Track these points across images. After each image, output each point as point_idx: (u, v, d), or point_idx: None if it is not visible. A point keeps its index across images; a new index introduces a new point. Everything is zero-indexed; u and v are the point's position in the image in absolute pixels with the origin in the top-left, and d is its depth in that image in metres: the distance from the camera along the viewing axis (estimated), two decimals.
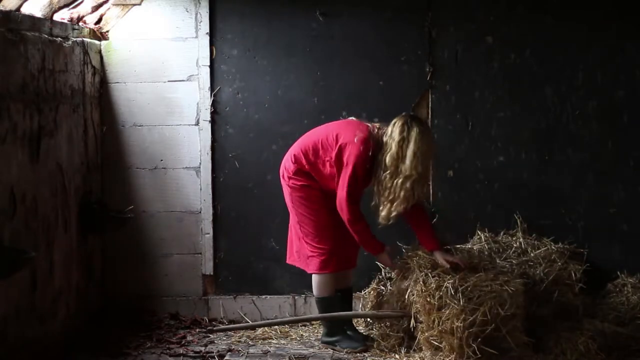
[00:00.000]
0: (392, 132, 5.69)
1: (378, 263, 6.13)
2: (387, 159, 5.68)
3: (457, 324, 5.33)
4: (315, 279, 5.95)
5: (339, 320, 5.99)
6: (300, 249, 5.96)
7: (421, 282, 5.50)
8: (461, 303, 5.35)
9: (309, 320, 6.13)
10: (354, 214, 5.74)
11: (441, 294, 5.40)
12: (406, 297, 5.64)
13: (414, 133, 5.65)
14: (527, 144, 6.64)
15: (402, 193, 5.66)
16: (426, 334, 5.48)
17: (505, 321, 5.39)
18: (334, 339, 5.98)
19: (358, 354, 5.84)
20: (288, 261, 6.08)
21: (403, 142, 5.65)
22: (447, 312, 5.37)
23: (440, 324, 5.39)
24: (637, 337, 5.78)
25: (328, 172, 5.80)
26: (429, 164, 5.79)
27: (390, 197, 5.69)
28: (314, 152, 5.84)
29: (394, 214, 5.72)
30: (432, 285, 5.45)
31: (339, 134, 5.79)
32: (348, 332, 5.99)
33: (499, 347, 5.41)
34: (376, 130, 5.78)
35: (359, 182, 5.74)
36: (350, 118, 6.02)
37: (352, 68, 6.62)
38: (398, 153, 5.66)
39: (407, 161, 5.64)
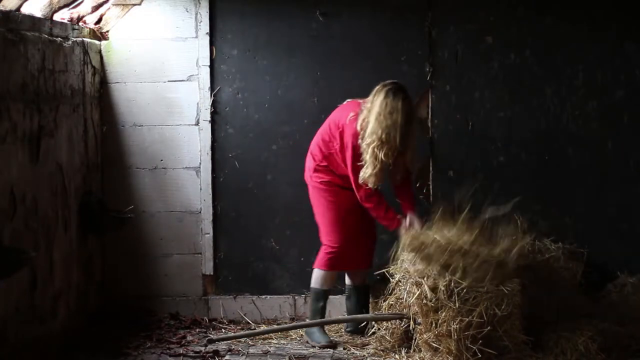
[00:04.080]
0: (369, 99, 5.85)
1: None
2: (359, 124, 5.82)
3: (453, 326, 5.33)
4: (315, 270, 6.12)
5: (317, 312, 6.10)
6: None
7: (415, 285, 5.49)
8: (457, 305, 5.35)
9: (309, 325, 6.15)
10: (365, 191, 5.85)
11: (437, 296, 5.40)
12: (404, 297, 5.64)
13: (379, 98, 5.77)
14: (527, 144, 6.64)
15: (367, 157, 5.78)
16: (424, 336, 5.48)
17: (502, 321, 5.38)
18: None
19: (358, 354, 5.84)
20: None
21: (371, 106, 5.80)
22: (443, 314, 5.36)
23: (437, 326, 5.39)
24: (637, 337, 5.78)
25: (340, 159, 5.96)
26: (392, 131, 5.73)
27: (365, 162, 5.81)
28: (324, 144, 6.01)
29: (371, 179, 5.80)
30: (426, 288, 5.44)
31: (338, 120, 5.97)
32: (317, 327, 6.06)
33: (497, 346, 5.40)
34: (365, 103, 5.91)
35: (358, 159, 5.84)
36: (348, 100, 6.09)
37: (352, 68, 6.62)
38: (365, 118, 5.80)
39: (369, 125, 5.77)
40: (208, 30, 6.61)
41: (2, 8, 5.06)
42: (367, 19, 6.64)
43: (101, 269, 6.66)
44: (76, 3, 5.99)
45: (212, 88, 6.64)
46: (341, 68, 6.64)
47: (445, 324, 5.36)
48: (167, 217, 6.70)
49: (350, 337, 6.17)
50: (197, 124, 6.66)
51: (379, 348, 5.89)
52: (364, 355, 5.82)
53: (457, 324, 5.32)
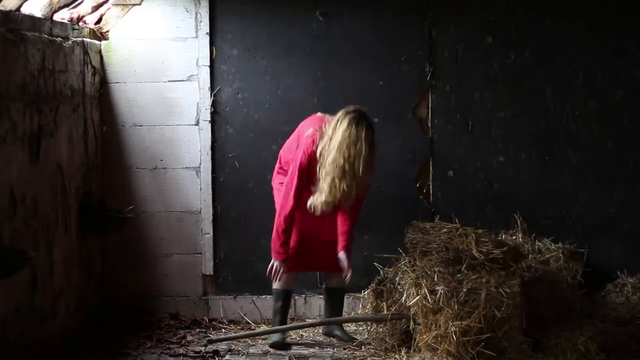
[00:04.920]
0: (331, 124, 5.78)
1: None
2: (319, 149, 5.77)
3: (452, 328, 5.32)
4: None
5: (276, 312, 6.09)
6: None
7: (415, 287, 5.49)
8: (455, 307, 5.34)
9: (307, 326, 6.15)
10: (291, 210, 5.83)
11: (436, 297, 5.39)
12: (403, 299, 5.64)
13: (342, 126, 5.70)
14: (527, 144, 6.65)
15: (324, 185, 5.73)
16: (424, 337, 5.48)
17: (501, 323, 5.38)
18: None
19: (358, 354, 5.84)
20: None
21: (333, 134, 5.73)
22: (443, 317, 5.35)
23: (437, 327, 5.38)
24: (637, 337, 5.78)
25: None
26: (356, 161, 5.68)
27: (319, 188, 5.76)
28: (290, 152, 5.99)
29: (321, 206, 5.76)
30: (425, 290, 5.44)
31: (301, 132, 5.94)
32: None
33: (497, 347, 5.40)
34: (327, 123, 5.84)
35: (303, 176, 5.80)
36: (317, 114, 6.06)
37: (352, 68, 6.63)
38: (326, 145, 5.74)
39: (331, 155, 5.70)
40: (208, 30, 6.62)
41: (2, 8, 5.06)
42: (367, 19, 6.64)
43: (101, 269, 6.66)
44: (76, 3, 5.99)
45: (212, 88, 6.64)
46: (341, 68, 6.64)
47: (444, 325, 5.35)
48: (167, 217, 6.70)
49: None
50: (197, 124, 6.66)
51: (379, 348, 5.89)
52: (364, 355, 5.82)
53: (456, 327, 5.31)
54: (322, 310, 6.46)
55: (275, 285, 6.09)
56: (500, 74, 6.63)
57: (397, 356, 5.73)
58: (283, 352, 5.89)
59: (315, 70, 6.65)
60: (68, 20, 6.10)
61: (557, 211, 6.64)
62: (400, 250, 6.05)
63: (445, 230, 5.86)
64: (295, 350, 5.96)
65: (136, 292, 6.69)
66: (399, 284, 5.77)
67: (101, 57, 6.63)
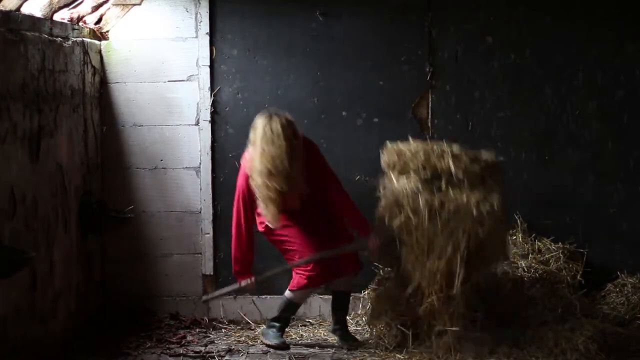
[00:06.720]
0: (250, 136, 5.85)
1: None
2: (248, 166, 5.84)
3: (440, 243, 5.41)
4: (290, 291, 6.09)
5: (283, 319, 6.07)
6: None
7: (397, 207, 5.54)
8: (439, 226, 5.41)
9: (301, 263, 6.02)
10: (234, 219, 5.89)
11: (420, 216, 5.46)
12: (386, 220, 5.64)
13: (257, 131, 5.76)
14: (527, 144, 6.64)
15: (262, 194, 5.77)
16: (411, 257, 5.52)
17: (486, 239, 5.46)
18: (265, 327, 6.15)
19: (358, 354, 5.84)
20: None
21: (254, 142, 5.80)
22: (427, 233, 5.44)
23: (422, 240, 5.46)
24: (637, 337, 5.78)
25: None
26: (279, 159, 5.69)
27: (261, 200, 5.80)
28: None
29: (271, 216, 5.80)
30: (408, 209, 5.50)
31: None
32: (273, 330, 6.04)
33: (484, 259, 5.52)
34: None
35: (245, 201, 5.87)
36: None
37: (352, 68, 6.62)
38: (251, 157, 5.83)
39: (256, 163, 5.75)
40: (208, 30, 6.62)
41: (2, 8, 5.06)
42: (367, 19, 6.64)
43: (101, 269, 6.66)
44: (76, 3, 5.99)
45: (212, 88, 6.64)
46: (341, 68, 6.64)
47: (428, 242, 5.43)
48: (167, 217, 6.70)
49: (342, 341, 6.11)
50: (197, 124, 6.66)
51: (379, 348, 5.88)
52: (364, 355, 5.82)
53: (442, 244, 5.38)
54: (322, 311, 6.46)
55: (291, 295, 6.03)
56: (500, 74, 6.63)
57: (397, 356, 5.73)
58: (283, 352, 5.89)
59: (315, 70, 6.66)
60: (68, 20, 6.10)
61: (557, 211, 6.64)
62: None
63: (421, 149, 5.78)
64: (295, 350, 5.96)
65: (136, 292, 6.69)
66: (384, 205, 5.74)
67: (101, 57, 6.63)
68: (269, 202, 5.77)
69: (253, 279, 5.98)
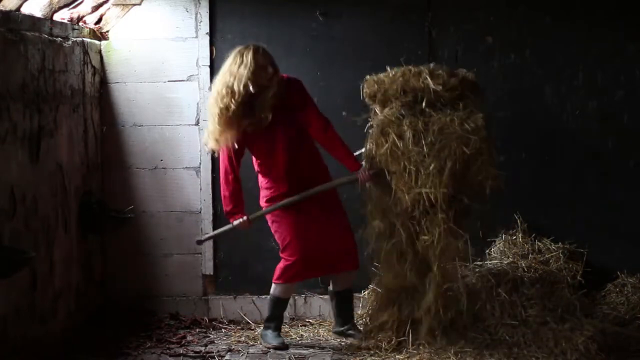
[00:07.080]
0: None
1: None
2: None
3: (430, 168, 5.44)
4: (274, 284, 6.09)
5: (275, 317, 6.05)
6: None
7: (382, 135, 5.58)
8: (425, 150, 5.46)
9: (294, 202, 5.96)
10: (221, 167, 5.86)
11: (405, 141, 5.50)
12: (373, 150, 5.65)
13: (228, 59, 5.80)
14: (527, 144, 6.64)
15: (209, 110, 5.79)
16: (400, 185, 5.53)
17: (472, 158, 5.52)
18: (263, 328, 6.12)
19: (358, 354, 5.83)
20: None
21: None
22: (413, 159, 5.47)
23: (409, 171, 5.49)
24: (637, 337, 5.78)
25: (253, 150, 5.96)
26: (237, 79, 5.70)
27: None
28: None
29: (209, 139, 5.77)
30: (393, 135, 5.53)
31: None
32: (270, 331, 6.02)
33: (472, 185, 5.59)
34: None
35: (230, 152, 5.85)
36: None
37: (352, 68, 6.62)
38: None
39: (216, 79, 5.81)
40: (208, 30, 6.62)
41: (2, 8, 5.06)
42: (367, 19, 6.64)
43: (101, 269, 6.66)
44: (76, 3, 5.99)
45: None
46: (341, 68, 6.64)
47: (415, 166, 5.47)
48: (167, 217, 6.70)
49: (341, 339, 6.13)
50: (197, 124, 6.67)
51: (379, 348, 5.88)
52: (364, 355, 5.82)
53: (429, 168, 5.43)
54: (322, 311, 6.46)
55: (276, 291, 6.03)
56: (500, 74, 6.63)
57: (397, 356, 5.73)
58: (283, 352, 5.89)
59: (315, 70, 6.66)
60: (68, 20, 6.10)
61: (557, 211, 6.64)
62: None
63: (399, 74, 5.78)
64: (295, 350, 5.96)
65: (136, 292, 6.69)
66: (371, 137, 5.76)
67: (101, 57, 6.64)
68: (213, 118, 5.72)
69: (246, 217, 5.86)
